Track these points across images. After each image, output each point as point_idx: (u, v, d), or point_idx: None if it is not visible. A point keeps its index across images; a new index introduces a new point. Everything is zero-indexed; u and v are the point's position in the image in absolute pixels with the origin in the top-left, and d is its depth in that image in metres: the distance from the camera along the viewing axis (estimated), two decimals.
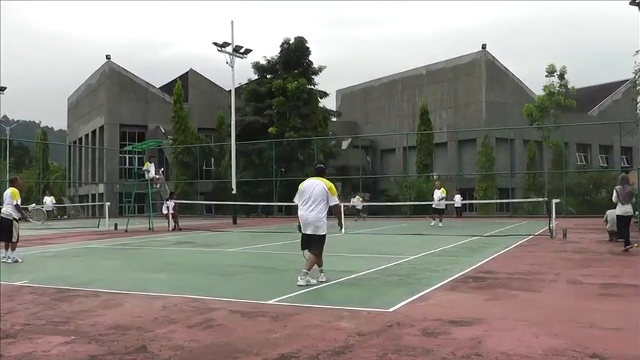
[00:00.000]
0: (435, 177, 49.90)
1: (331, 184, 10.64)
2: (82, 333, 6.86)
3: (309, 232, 10.44)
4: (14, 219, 14.58)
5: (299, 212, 10.58)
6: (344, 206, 25.23)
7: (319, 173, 10.88)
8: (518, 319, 7.24)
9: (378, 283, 10.40)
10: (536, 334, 6.48)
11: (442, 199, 29.59)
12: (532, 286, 9.99)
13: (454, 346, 6.01)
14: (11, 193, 14.73)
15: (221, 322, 7.31)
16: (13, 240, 14.59)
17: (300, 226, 10.61)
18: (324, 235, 10.55)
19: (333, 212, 10.76)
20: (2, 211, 14.78)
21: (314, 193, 10.44)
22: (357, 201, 36.83)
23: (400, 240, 21.30)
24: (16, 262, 14.39)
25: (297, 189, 10.81)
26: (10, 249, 14.61)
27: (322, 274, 10.59)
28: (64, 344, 6.34)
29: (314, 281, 10.22)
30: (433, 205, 29.74)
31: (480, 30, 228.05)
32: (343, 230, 12.21)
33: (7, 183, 15.70)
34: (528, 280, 10.68)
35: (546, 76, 45.64)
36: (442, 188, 30.03)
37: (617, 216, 16.56)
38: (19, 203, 14.68)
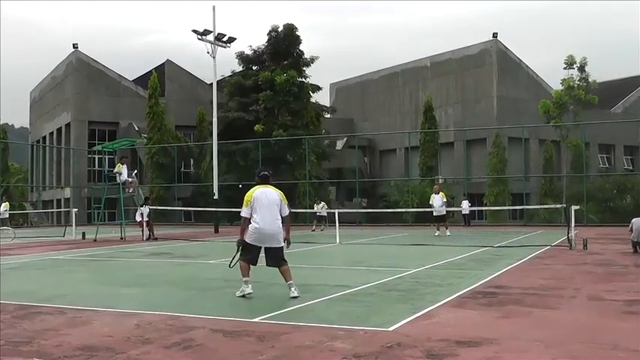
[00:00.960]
0: (440, 181, 50.04)
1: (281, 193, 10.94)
2: (46, 354, 6.85)
3: (267, 245, 10.53)
4: None
5: (253, 225, 10.52)
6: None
7: (265, 181, 11.14)
8: (532, 340, 7.25)
9: (376, 299, 10.41)
10: (553, 355, 6.50)
11: (443, 204, 29.78)
12: (548, 302, 10.01)
13: None
14: None
15: (201, 342, 7.31)
16: None
17: (240, 242, 10.71)
18: (283, 247, 10.70)
19: (284, 223, 10.79)
20: None
21: (270, 203, 10.63)
22: (321, 208, 36.78)
23: (401, 251, 21.33)
24: None
25: (246, 200, 10.84)
26: None
27: (247, 287, 10.65)
28: None
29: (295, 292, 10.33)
30: (434, 213, 29.93)
31: (491, 16, 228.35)
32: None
33: None
34: (544, 295, 10.70)
35: (565, 68, 45.78)
36: (441, 192, 30.21)
37: None
38: None
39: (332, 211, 29.62)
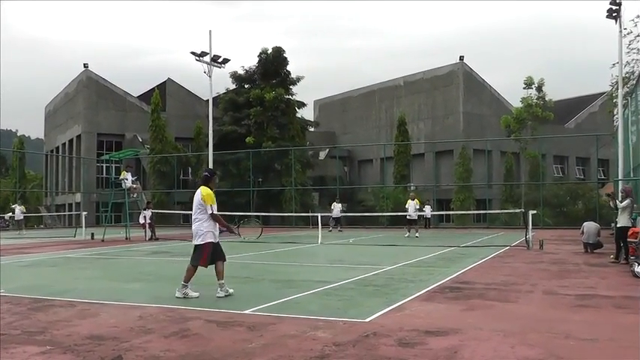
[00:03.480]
0: (412, 188, 50.12)
1: (208, 192, 10.36)
2: (58, 343, 6.83)
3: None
4: None
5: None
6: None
7: (203, 182, 10.71)
8: (494, 330, 7.30)
9: (354, 294, 10.42)
10: (511, 344, 6.55)
11: (416, 210, 29.97)
12: (508, 296, 10.07)
13: (430, 356, 6.06)
14: None
15: (197, 331, 7.31)
16: None
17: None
18: (200, 245, 10.16)
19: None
20: None
21: (194, 203, 10.39)
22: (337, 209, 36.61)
23: (377, 250, 21.32)
24: None
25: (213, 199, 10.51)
26: None
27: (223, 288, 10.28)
28: (39, 354, 6.32)
29: (194, 294, 10.09)
30: (407, 217, 30.10)
31: (458, 42, 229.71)
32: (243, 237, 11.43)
33: None
34: (504, 290, 10.76)
35: (524, 88, 46.13)
36: (416, 199, 30.41)
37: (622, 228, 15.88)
38: None
39: (315, 214, 29.56)
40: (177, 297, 9.89)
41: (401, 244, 24.10)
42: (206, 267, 10.20)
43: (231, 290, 10.22)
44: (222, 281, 10.21)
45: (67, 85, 68.22)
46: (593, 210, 37.58)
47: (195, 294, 10.05)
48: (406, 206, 30.18)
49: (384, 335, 6.94)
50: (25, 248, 23.84)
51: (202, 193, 10.28)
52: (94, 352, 6.32)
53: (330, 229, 35.00)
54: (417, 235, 28.72)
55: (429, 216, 39.19)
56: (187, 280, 10.09)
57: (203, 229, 10.09)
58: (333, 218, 36.23)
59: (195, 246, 10.18)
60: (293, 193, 46.92)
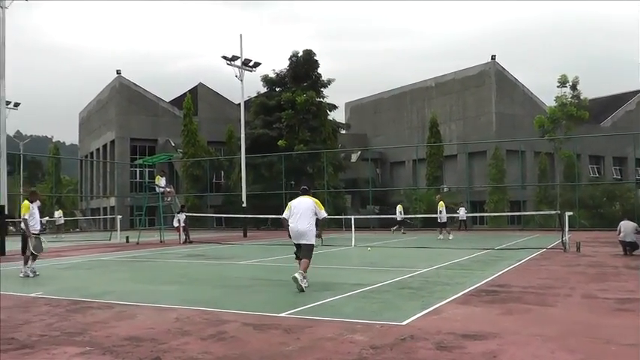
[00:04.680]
0: (445, 190, 49.84)
1: (317, 200, 11.98)
2: (97, 344, 6.91)
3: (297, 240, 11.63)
4: (26, 233, 14.66)
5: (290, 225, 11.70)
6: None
7: (304, 193, 12.20)
8: (532, 334, 7.21)
9: (389, 296, 10.38)
10: (551, 349, 6.46)
11: (441, 212, 29.98)
12: (546, 300, 9.93)
13: None
14: (22, 206, 14.88)
15: (234, 334, 7.33)
16: (27, 253, 14.62)
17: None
18: (311, 244, 11.59)
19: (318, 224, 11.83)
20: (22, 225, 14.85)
21: (303, 208, 11.66)
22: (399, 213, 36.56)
23: (411, 253, 21.22)
24: (27, 276, 14.37)
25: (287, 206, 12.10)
26: (24, 262, 14.68)
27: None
28: (79, 355, 6.41)
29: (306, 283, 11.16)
30: (438, 220, 30.29)
31: (489, 41, 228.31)
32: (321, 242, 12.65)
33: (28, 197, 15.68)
34: (542, 294, 10.61)
35: (558, 86, 45.39)
36: (441, 202, 30.40)
37: None
38: (26, 217, 14.61)
39: (348, 217, 29.48)
40: (305, 287, 10.99)
41: (435, 246, 24.00)
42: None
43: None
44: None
45: (100, 91, 69.07)
46: (630, 211, 36.90)
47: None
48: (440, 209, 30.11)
49: (422, 338, 6.89)
50: (62, 251, 24.15)
51: (315, 201, 11.88)
52: (132, 354, 6.38)
53: (393, 230, 35.31)
54: (450, 237, 28.63)
55: (464, 218, 38.89)
56: (305, 270, 11.28)
57: (313, 231, 11.60)
58: (398, 221, 36.28)
59: (308, 245, 11.53)
60: (325, 196, 46.91)
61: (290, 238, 11.83)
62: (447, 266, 15.66)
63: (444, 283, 12.09)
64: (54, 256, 21.65)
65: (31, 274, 14.44)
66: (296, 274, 10.98)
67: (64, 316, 8.78)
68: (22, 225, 14.83)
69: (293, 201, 12.06)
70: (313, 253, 11.70)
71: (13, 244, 22.23)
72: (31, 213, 14.68)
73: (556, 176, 51.25)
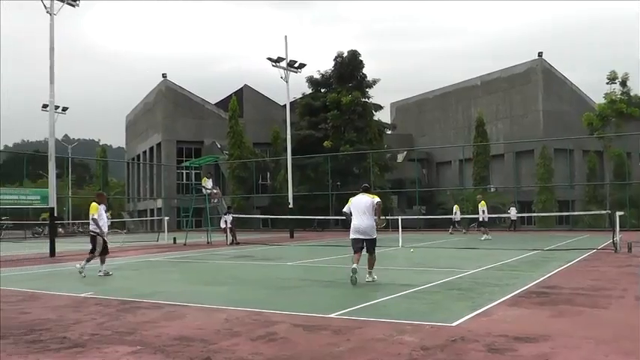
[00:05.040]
0: (492, 190, 49.36)
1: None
2: (148, 343, 6.98)
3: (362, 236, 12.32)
4: (95, 233, 15.09)
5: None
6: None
7: (365, 190, 12.94)
8: (584, 337, 7.05)
9: (439, 297, 10.31)
10: (605, 352, 6.30)
11: (484, 211, 29.89)
12: (598, 302, 9.71)
13: None
14: (90, 207, 15.29)
15: (283, 335, 7.33)
16: (95, 254, 15.08)
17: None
18: (375, 238, 12.44)
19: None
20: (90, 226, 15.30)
21: (363, 206, 12.39)
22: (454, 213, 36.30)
23: (458, 254, 21.04)
24: (108, 274, 14.82)
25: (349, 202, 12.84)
26: (100, 262, 15.14)
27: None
28: (131, 354, 6.47)
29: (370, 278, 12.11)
30: (480, 219, 30.37)
31: (536, 38, 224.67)
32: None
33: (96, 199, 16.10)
34: (593, 295, 10.40)
35: (607, 83, 44.63)
36: (482, 201, 30.31)
37: None
38: (95, 217, 15.05)
39: (395, 217, 29.35)
40: (367, 281, 11.97)
41: (482, 247, 23.76)
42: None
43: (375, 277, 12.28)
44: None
45: (147, 95, 70.02)
46: None
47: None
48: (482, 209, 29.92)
49: (472, 340, 6.81)
50: (110, 252, 24.46)
51: (373, 196, 12.68)
52: (182, 353, 6.42)
53: (451, 231, 35.41)
54: (488, 237, 28.56)
55: (515, 218, 38.40)
56: (372, 266, 12.33)
57: (374, 226, 12.39)
58: (455, 221, 36.11)
59: (374, 239, 12.35)
60: None
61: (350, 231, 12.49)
62: (496, 267, 15.48)
63: (493, 284, 11.95)
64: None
65: (102, 274, 14.83)
66: (354, 265, 11.64)
67: (115, 316, 8.90)
68: (91, 226, 15.19)
69: (354, 197, 12.82)
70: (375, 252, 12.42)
71: (62, 246, 22.71)
72: (99, 214, 15.15)
73: (605, 175, 50.35)
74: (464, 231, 35.65)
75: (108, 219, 16.33)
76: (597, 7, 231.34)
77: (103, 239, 15.09)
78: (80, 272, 14.57)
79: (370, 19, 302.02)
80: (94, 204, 15.31)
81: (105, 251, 15.18)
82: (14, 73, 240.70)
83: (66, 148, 69.99)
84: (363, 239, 12.29)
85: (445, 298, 10.27)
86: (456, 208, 36.89)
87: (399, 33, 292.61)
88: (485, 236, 28.84)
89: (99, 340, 7.24)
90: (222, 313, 8.90)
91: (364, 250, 12.27)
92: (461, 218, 36.36)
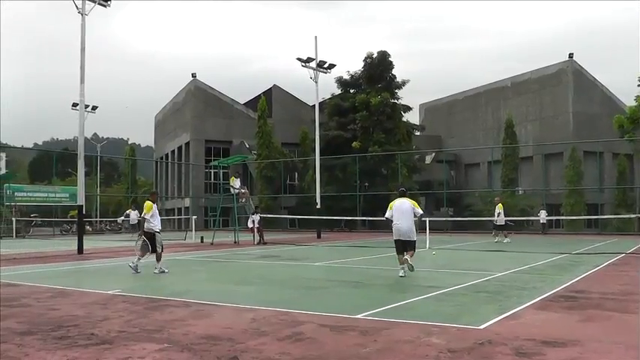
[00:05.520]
0: (520, 192, 48.99)
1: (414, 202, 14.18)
2: (175, 341, 7.02)
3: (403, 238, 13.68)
4: (154, 231, 15.35)
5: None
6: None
7: (402, 195, 14.29)
8: (614, 342, 6.98)
9: (466, 300, 10.27)
10: (634, 357, 6.26)
11: (499, 214, 29.61)
12: (627, 307, 9.59)
13: None
14: (145, 206, 15.63)
15: (310, 335, 7.34)
16: (158, 251, 15.34)
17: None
18: (415, 240, 13.99)
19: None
20: (145, 225, 15.54)
21: (403, 210, 13.72)
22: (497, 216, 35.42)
23: (486, 256, 20.94)
24: (163, 272, 15.03)
25: (389, 206, 14.09)
26: (156, 260, 15.35)
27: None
28: (158, 351, 6.52)
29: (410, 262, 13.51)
30: (495, 222, 30.19)
31: (567, 39, 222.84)
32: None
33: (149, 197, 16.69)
34: (623, 300, 10.29)
35: (638, 85, 44.00)
36: (499, 204, 30.12)
37: None
38: (146, 217, 15.43)
39: (423, 219, 29.29)
40: (400, 276, 13.34)
41: (509, 249, 23.59)
42: None
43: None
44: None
45: (176, 95, 70.40)
46: None
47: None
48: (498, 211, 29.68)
49: (500, 344, 6.77)
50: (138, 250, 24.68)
51: (412, 202, 14.03)
52: (210, 352, 6.46)
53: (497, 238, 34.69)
54: (504, 240, 28.72)
55: (545, 221, 38.00)
56: (411, 256, 13.68)
57: (414, 229, 13.86)
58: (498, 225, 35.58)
59: (412, 241, 13.80)
60: None
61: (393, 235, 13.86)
62: (523, 270, 15.36)
63: (520, 287, 11.86)
64: (130, 254, 22.15)
65: (166, 270, 15.21)
66: (405, 263, 13.52)
67: (142, 314, 8.96)
68: (148, 224, 15.46)
69: (394, 202, 14.03)
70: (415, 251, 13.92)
71: (90, 243, 22.88)
72: (153, 213, 15.50)
73: (635, 178, 49.79)
74: (506, 235, 35.13)
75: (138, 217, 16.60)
76: (629, 7, 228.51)
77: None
78: (163, 272, 15.01)
79: (400, 20, 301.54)
80: (149, 203, 15.64)
81: (154, 249, 15.33)
82: (46, 72, 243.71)
83: (95, 147, 70.68)
84: (403, 241, 13.60)
85: (472, 300, 10.22)
86: (499, 208, 35.96)
87: (429, 34, 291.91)
88: (498, 239, 28.76)
89: (126, 337, 7.31)
90: (250, 313, 8.93)
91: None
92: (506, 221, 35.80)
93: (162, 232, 16.11)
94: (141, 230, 15.79)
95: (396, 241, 13.77)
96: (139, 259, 15.29)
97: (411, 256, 13.50)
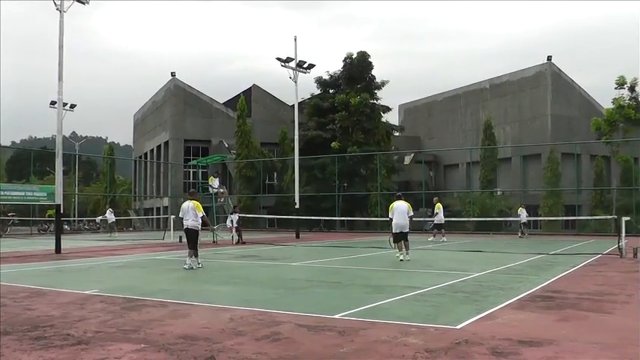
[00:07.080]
0: (498, 193, 49.18)
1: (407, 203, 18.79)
2: (152, 342, 6.99)
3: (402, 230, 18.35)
4: (205, 229, 16.35)
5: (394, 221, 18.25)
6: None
7: (398, 198, 19.12)
8: (589, 342, 7.04)
9: (443, 300, 10.29)
10: (609, 357, 6.31)
11: (437, 214, 30.67)
12: (603, 307, 9.67)
13: None
14: (195, 207, 16.26)
15: (288, 335, 7.33)
16: (198, 247, 16.42)
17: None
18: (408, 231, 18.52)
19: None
20: (189, 223, 16.30)
21: (402, 210, 18.47)
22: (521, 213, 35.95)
23: (464, 257, 21.00)
24: (191, 268, 15.93)
25: (389, 208, 18.95)
26: (194, 256, 16.29)
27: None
28: (135, 352, 6.48)
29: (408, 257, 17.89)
30: (435, 221, 31.28)
31: (545, 41, 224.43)
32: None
33: (188, 196, 17.40)
34: (599, 300, 10.37)
35: (616, 88, 44.28)
36: (438, 204, 31.30)
37: None
38: (203, 215, 16.45)
39: (418, 219, 29.70)
40: (407, 259, 17.83)
41: (489, 250, 23.70)
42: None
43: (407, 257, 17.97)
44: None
45: (155, 93, 70.15)
46: None
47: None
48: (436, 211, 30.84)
49: (477, 343, 6.80)
50: (116, 250, 24.57)
51: (408, 204, 18.75)
52: (187, 352, 6.44)
53: (521, 235, 35.30)
54: (443, 239, 29.67)
55: (525, 221, 38.22)
56: (408, 248, 18.50)
57: (408, 223, 18.57)
58: (521, 223, 35.82)
59: (407, 232, 18.53)
60: (379, 198, 46.84)
61: (392, 229, 18.34)
62: (501, 271, 15.44)
63: (498, 287, 11.93)
64: (108, 254, 22.04)
65: (200, 265, 16.36)
66: (402, 255, 18.02)
67: (119, 314, 8.91)
68: (197, 222, 16.41)
69: (394, 203, 18.73)
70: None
71: (68, 243, 22.71)
72: (186, 210, 16.36)
73: (612, 180, 50.21)
74: (522, 235, 35.34)
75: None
76: (607, 11, 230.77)
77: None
78: (196, 266, 16.20)
79: (380, 21, 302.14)
80: (198, 203, 16.38)
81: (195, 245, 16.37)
82: (23, 70, 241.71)
83: (73, 145, 70.19)
84: (402, 232, 18.22)
85: (449, 300, 10.24)
86: (520, 210, 36.40)
87: (408, 35, 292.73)
88: (433, 238, 29.25)
89: (103, 337, 7.26)
90: (227, 313, 8.91)
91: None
92: (528, 221, 36.09)
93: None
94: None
95: (396, 233, 18.25)
96: (196, 256, 16.48)
97: (407, 248, 18.31)
